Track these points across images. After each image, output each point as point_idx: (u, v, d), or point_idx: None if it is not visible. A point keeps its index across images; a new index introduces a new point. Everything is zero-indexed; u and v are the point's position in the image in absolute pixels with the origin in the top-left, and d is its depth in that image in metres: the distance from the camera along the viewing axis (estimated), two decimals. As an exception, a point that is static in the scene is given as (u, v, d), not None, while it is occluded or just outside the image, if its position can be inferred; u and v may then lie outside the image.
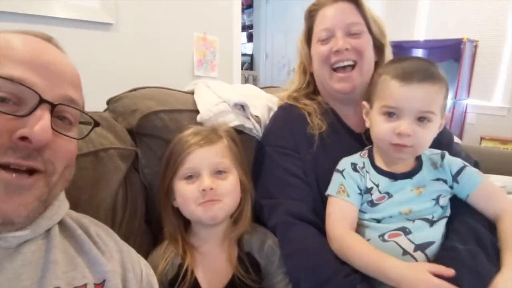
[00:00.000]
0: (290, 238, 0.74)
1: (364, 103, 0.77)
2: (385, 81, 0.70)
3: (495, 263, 0.63)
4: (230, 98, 0.88)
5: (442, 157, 0.74)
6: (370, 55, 0.84)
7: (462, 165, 0.73)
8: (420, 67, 0.69)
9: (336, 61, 0.82)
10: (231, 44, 2.54)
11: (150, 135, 0.85)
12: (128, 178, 0.82)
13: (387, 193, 0.72)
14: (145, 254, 0.73)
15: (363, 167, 0.76)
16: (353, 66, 0.83)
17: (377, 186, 0.73)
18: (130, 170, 0.84)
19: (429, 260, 0.65)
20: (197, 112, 0.88)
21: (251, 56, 4.81)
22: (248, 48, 5.20)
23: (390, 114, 0.69)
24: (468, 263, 0.61)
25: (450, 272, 0.57)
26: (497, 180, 1.08)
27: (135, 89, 0.93)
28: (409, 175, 0.73)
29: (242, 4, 4.98)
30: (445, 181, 0.72)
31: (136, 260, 0.61)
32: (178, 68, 2.19)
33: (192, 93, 0.97)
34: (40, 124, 0.43)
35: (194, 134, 0.76)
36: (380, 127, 0.70)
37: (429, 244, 0.67)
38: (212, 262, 0.75)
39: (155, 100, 0.88)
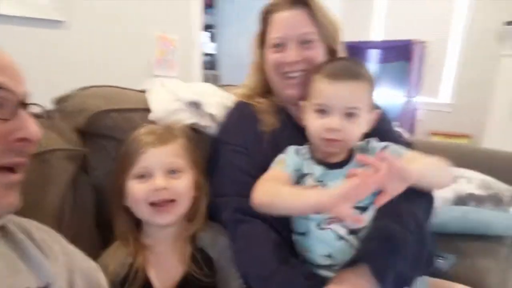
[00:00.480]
0: (238, 234, 0.76)
1: (302, 102, 0.80)
2: (316, 80, 0.75)
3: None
4: (184, 97, 0.89)
5: (368, 142, 0.79)
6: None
7: (385, 145, 0.78)
8: (346, 67, 0.75)
9: (287, 71, 0.85)
10: (192, 43, 2.52)
11: (100, 135, 0.84)
12: (77, 179, 0.80)
13: (321, 182, 0.75)
14: (95, 256, 0.71)
15: (304, 154, 0.79)
16: (304, 73, 0.85)
17: (312, 174, 0.76)
18: (79, 171, 0.81)
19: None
20: (151, 110, 0.88)
21: (214, 56, 4.79)
22: (211, 48, 5.17)
23: (321, 111, 0.73)
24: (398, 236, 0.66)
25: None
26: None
27: (84, 88, 0.90)
28: (340, 165, 0.76)
29: (205, 3, 4.96)
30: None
31: (84, 262, 0.61)
32: (136, 67, 2.14)
33: (146, 92, 0.96)
34: (33, 124, 0.48)
35: (149, 133, 0.76)
36: (312, 123, 0.75)
37: (362, 229, 0.70)
38: (165, 261, 0.75)
39: (105, 99, 0.86)
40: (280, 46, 0.85)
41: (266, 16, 0.89)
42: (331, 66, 0.77)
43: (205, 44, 5.24)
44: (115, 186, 0.75)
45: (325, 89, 0.73)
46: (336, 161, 0.77)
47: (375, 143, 0.79)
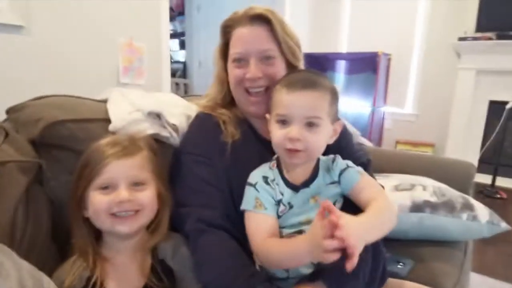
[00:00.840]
0: (199, 245, 0.75)
1: (267, 115, 0.80)
2: (276, 91, 0.76)
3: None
4: (144, 107, 0.88)
5: (333, 161, 0.79)
6: None
7: (345, 166, 0.78)
8: (304, 76, 0.75)
9: (249, 86, 0.86)
10: (160, 51, 2.49)
11: (56, 146, 0.81)
12: (31, 192, 0.77)
13: (289, 204, 0.76)
14: (50, 271, 0.69)
15: (273, 180, 0.77)
16: (266, 89, 0.86)
17: (283, 197, 0.76)
18: (33, 183, 0.78)
19: None
20: (110, 121, 0.86)
21: (184, 63, 4.76)
22: (181, 56, 5.14)
23: (282, 121, 0.73)
24: None
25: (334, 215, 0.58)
26: (395, 179, 1.22)
27: (40, 97, 0.87)
28: (307, 183, 0.77)
29: (173, 11, 4.95)
30: (337, 183, 0.78)
31: (37, 276, 0.58)
32: (101, 75, 2.09)
33: (105, 101, 0.94)
34: None
35: (113, 144, 0.74)
36: (275, 134, 0.74)
37: None
38: (124, 273, 0.74)
39: (62, 109, 0.84)
40: (241, 61, 0.86)
41: (227, 29, 0.90)
42: (290, 76, 0.78)
43: (175, 52, 5.21)
44: (74, 196, 0.73)
45: (284, 99, 0.73)
46: (302, 179, 0.77)
47: (339, 162, 0.79)
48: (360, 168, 0.79)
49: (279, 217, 0.76)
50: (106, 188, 0.71)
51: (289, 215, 0.76)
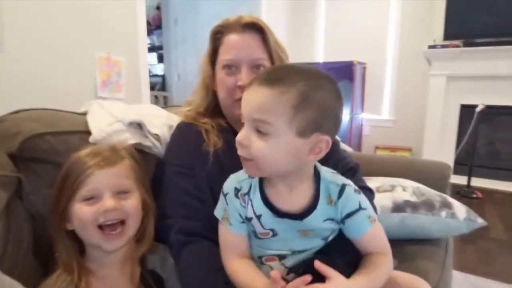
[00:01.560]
0: (183, 256, 0.75)
1: None
2: None
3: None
4: (124, 117, 0.87)
5: (340, 194, 0.64)
6: None
7: (357, 207, 0.64)
8: (274, 70, 0.66)
9: (240, 97, 0.83)
10: (138, 65, 2.49)
11: (35, 159, 0.79)
12: (10, 207, 0.75)
13: (272, 230, 0.66)
14: (34, 287, 0.68)
15: (247, 193, 0.67)
16: None
17: (259, 217, 0.66)
18: (13, 198, 0.76)
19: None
20: (90, 133, 0.85)
21: (163, 76, 4.75)
22: (160, 69, 5.12)
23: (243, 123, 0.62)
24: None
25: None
26: (376, 181, 1.25)
27: (18, 111, 0.86)
28: (299, 217, 0.64)
29: (151, 25, 4.95)
30: (336, 221, 0.66)
31: None
32: (78, 90, 2.06)
33: (85, 114, 0.93)
34: None
35: (94, 155, 0.73)
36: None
37: (301, 264, 0.66)
38: (112, 285, 0.73)
39: (40, 122, 0.82)
40: (232, 68, 0.85)
41: (218, 35, 0.88)
42: (267, 69, 0.70)
43: (154, 65, 5.20)
44: (56, 210, 0.71)
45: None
46: (293, 208, 0.64)
47: (347, 198, 0.63)
48: (372, 212, 0.67)
49: (259, 238, 0.68)
50: (90, 199, 0.70)
51: (274, 241, 0.67)
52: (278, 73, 0.60)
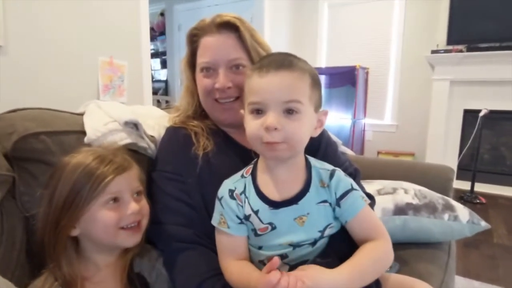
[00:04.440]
0: (176, 262, 0.74)
1: (241, 111, 0.71)
2: (248, 78, 0.67)
3: None
4: (120, 117, 0.86)
5: (331, 175, 0.68)
6: None
7: (349, 187, 0.67)
8: (277, 58, 0.66)
9: (219, 97, 0.83)
10: (141, 69, 2.50)
11: (30, 159, 0.78)
12: (4, 207, 0.74)
13: (270, 224, 0.66)
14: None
15: (242, 192, 0.68)
16: (236, 98, 0.84)
17: (257, 212, 0.67)
18: (6, 198, 0.76)
19: None
20: (86, 133, 0.84)
21: (166, 82, 4.78)
22: (163, 74, 5.16)
23: (257, 111, 0.63)
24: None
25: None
26: (377, 184, 1.23)
27: (14, 110, 0.85)
28: (294, 200, 0.66)
29: (155, 31, 4.99)
30: (330, 204, 0.68)
31: None
32: (81, 94, 2.07)
33: (82, 114, 0.93)
34: None
35: (107, 162, 0.71)
36: (249, 125, 0.64)
37: (303, 262, 0.66)
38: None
39: (36, 122, 0.81)
40: (210, 70, 0.84)
41: (194, 38, 0.87)
42: (262, 59, 0.69)
43: (157, 70, 5.24)
44: (64, 219, 0.69)
45: (257, 84, 0.63)
46: (289, 194, 0.66)
47: (339, 179, 0.67)
48: (362, 193, 0.69)
49: (258, 235, 0.68)
50: (111, 203, 0.70)
51: (272, 235, 0.67)
52: (285, 59, 0.65)
